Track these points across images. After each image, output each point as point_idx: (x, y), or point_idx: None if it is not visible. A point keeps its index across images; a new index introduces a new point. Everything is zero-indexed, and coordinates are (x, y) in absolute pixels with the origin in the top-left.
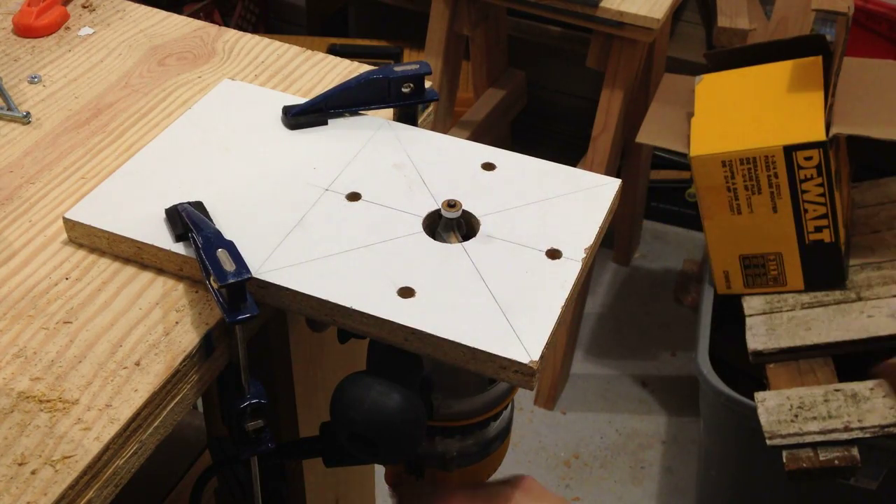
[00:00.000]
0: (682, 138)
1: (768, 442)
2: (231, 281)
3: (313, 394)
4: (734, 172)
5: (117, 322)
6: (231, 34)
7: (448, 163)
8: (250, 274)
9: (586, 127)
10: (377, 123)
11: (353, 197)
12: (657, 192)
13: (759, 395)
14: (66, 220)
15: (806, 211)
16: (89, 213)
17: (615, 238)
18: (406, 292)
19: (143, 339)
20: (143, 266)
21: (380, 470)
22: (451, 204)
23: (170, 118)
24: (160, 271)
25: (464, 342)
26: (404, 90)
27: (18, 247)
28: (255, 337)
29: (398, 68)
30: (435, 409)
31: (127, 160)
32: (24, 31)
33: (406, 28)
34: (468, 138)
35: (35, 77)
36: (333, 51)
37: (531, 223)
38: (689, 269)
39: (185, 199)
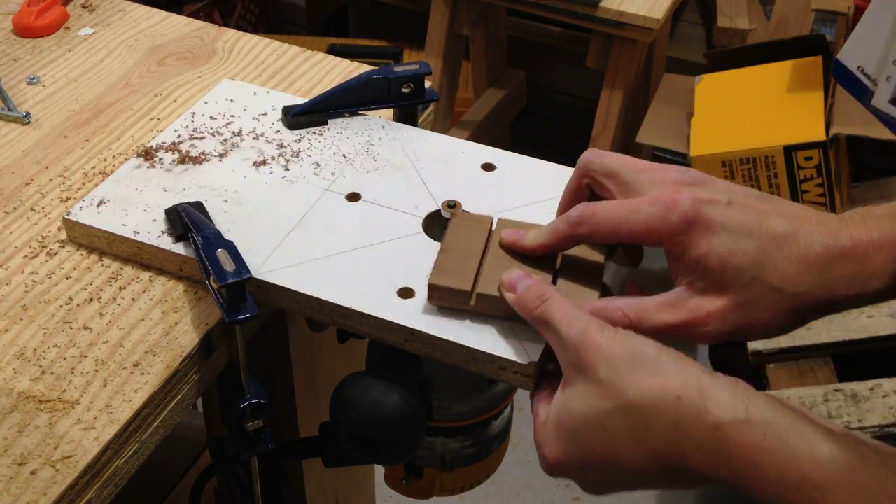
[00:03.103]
0: (682, 138)
1: None
2: (231, 281)
3: (313, 394)
4: (734, 172)
5: (117, 322)
6: (231, 34)
7: (448, 163)
8: (250, 274)
9: (586, 127)
10: (377, 123)
11: (353, 197)
12: None
13: None
14: (66, 220)
15: None
16: (89, 213)
17: None
18: (406, 292)
19: (143, 340)
20: (143, 266)
21: (380, 470)
22: (451, 204)
23: (170, 118)
24: (160, 271)
25: (463, 343)
26: (404, 90)
27: (18, 247)
28: (255, 337)
29: (398, 68)
30: (434, 409)
31: (127, 160)
32: (24, 31)
33: (406, 28)
34: (468, 138)
35: (34, 78)
36: (333, 51)
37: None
38: None
39: (184, 200)
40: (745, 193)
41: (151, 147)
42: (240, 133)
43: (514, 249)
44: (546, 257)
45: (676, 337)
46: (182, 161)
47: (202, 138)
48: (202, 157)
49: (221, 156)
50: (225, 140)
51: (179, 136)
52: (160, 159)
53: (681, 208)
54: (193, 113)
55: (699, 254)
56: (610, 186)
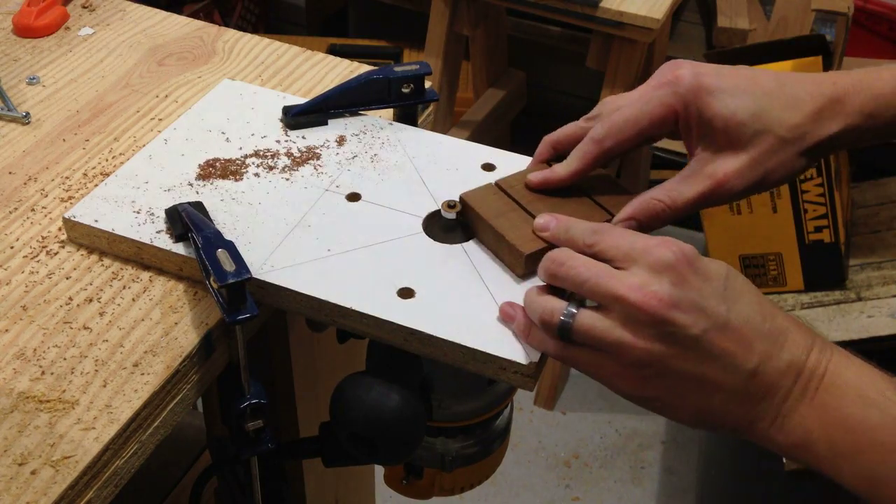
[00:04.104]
0: None
1: None
2: (231, 281)
3: (313, 394)
4: None
5: (117, 322)
6: (231, 34)
7: (448, 163)
8: (250, 274)
9: None
10: (377, 123)
11: (353, 197)
12: None
13: None
14: (66, 220)
15: (806, 211)
16: (89, 213)
17: None
18: (406, 292)
19: (143, 340)
20: (144, 266)
21: (380, 470)
22: (451, 205)
23: (170, 118)
24: (160, 271)
25: (463, 343)
26: (404, 90)
27: (19, 247)
28: (255, 337)
29: (398, 68)
30: (434, 409)
31: (127, 160)
32: (24, 31)
33: (406, 28)
34: (468, 138)
35: (33, 78)
36: (333, 51)
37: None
38: None
39: (185, 199)
40: (731, 66)
41: (210, 161)
42: (239, 133)
43: (546, 186)
44: (577, 198)
45: (709, 205)
46: (181, 160)
47: (202, 138)
48: (201, 156)
49: (221, 156)
50: (223, 140)
51: (179, 135)
52: (160, 158)
53: (685, 80)
54: (193, 113)
55: (706, 117)
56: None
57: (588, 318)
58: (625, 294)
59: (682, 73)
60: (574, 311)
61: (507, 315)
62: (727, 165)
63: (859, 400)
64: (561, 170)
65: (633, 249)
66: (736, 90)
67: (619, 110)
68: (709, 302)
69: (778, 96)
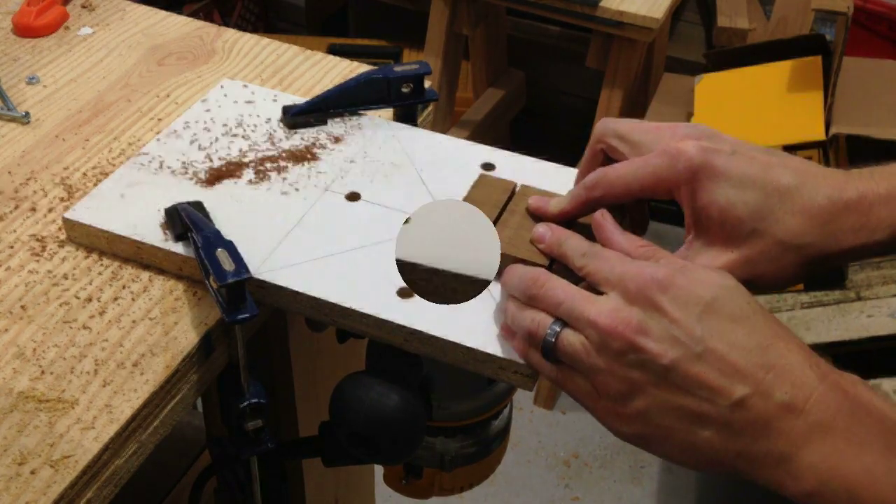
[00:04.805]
0: None
1: None
2: (230, 281)
3: (313, 394)
4: None
5: (117, 322)
6: (230, 34)
7: (448, 163)
8: (249, 274)
9: (586, 127)
10: (377, 123)
11: (353, 197)
12: None
13: None
14: (66, 220)
15: None
16: (89, 213)
17: None
18: (406, 292)
19: (143, 339)
20: (143, 266)
21: (380, 470)
22: None
23: (169, 118)
24: (160, 271)
25: (463, 343)
26: (404, 90)
27: (19, 246)
28: (254, 337)
29: (398, 68)
30: (434, 409)
31: (127, 160)
32: (24, 30)
33: (406, 28)
34: (468, 138)
35: (33, 78)
36: (333, 51)
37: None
38: None
39: (184, 199)
40: (751, 147)
41: (210, 160)
42: (238, 133)
43: (538, 214)
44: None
45: None
46: (180, 159)
47: (201, 138)
48: (201, 156)
49: (220, 156)
50: (223, 140)
51: (178, 134)
52: (159, 157)
53: (686, 156)
54: (193, 112)
55: (701, 203)
56: (622, 149)
57: (571, 337)
58: (595, 318)
59: (686, 149)
60: (557, 329)
61: (507, 332)
62: (716, 261)
63: (885, 448)
64: (553, 205)
65: (613, 274)
66: (743, 180)
67: (617, 166)
68: (682, 330)
69: (790, 196)
